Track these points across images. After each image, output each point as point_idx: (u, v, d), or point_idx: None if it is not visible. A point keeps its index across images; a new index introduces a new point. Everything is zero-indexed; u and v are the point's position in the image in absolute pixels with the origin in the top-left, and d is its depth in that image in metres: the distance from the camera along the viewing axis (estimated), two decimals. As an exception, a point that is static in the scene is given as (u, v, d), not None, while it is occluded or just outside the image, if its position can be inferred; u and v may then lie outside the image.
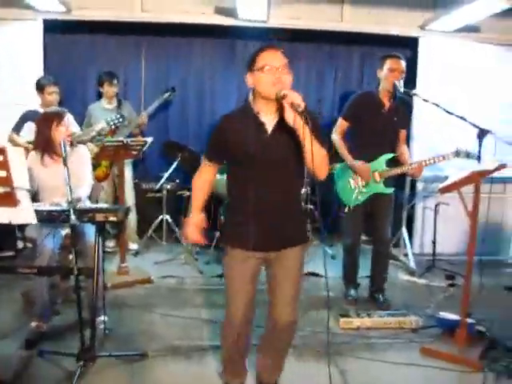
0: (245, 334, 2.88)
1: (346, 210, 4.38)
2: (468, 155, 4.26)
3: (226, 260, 2.80)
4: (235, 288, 2.77)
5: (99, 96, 5.91)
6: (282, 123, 2.53)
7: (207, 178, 2.87)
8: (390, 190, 4.37)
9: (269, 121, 2.61)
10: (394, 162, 4.35)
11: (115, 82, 5.74)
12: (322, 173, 2.61)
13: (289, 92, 2.44)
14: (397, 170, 4.30)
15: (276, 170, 2.62)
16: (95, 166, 5.54)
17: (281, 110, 2.50)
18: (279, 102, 2.48)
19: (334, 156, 4.19)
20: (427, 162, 4.27)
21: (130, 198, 5.70)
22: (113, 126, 5.28)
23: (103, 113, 5.53)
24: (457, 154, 4.28)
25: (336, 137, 4.36)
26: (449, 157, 4.28)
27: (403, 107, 4.34)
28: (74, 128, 4.95)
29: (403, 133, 4.45)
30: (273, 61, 2.53)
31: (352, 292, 4.55)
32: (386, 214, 4.45)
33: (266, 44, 2.63)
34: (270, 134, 2.60)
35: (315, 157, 2.47)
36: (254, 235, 2.67)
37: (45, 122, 3.83)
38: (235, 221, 2.76)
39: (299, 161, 2.55)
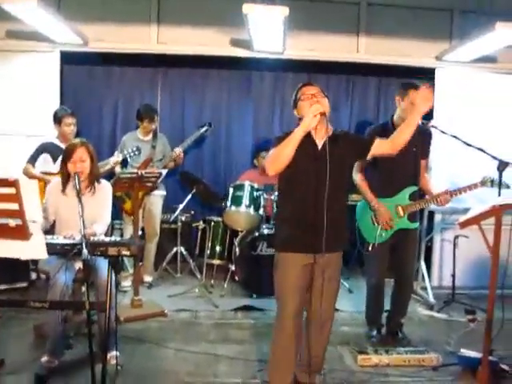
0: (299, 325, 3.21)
1: (370, 248, 4.10)
2: (493, 183, 4.05)
3: (280, 265, 3.18)
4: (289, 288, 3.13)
5: (137, 126, 5.76)
6: (329, 143, 3.05)
7: None
8: (416, 225, 4.19)
9: (319, 141, 3.14)
10: (416, 196, 4.15)
11: (156, 118, 5.67)
12: None
13: (314, 106, 2.99)
14: (422, 204, 4.11)
15: (326, 181, 3.00)
16: (124, 200, 5.54)
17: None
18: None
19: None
20: (453, 194, 4.04)
21: (157, 230, 5.73)
22: (128, 159, 5.29)
23: (137, 144, 5.41)
24: (483, 183, 4.06)
25: (357, 177, 4.11)
26: (476, 186, 4.05)
27: (422, 136, 4.06)
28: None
29: (423, 163, 4.25)
30: (308, 90, 3.16)
31: (375, 333, 4.32)
32: (411, 251, 4.23)
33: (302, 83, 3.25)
34: (321, 149, 3.11)
35: None
36: (307, 239, 3.07)
37: (63, 155, 3.85)
38: (288, 228, 3.16)
39: (345, 176, 3.24)
